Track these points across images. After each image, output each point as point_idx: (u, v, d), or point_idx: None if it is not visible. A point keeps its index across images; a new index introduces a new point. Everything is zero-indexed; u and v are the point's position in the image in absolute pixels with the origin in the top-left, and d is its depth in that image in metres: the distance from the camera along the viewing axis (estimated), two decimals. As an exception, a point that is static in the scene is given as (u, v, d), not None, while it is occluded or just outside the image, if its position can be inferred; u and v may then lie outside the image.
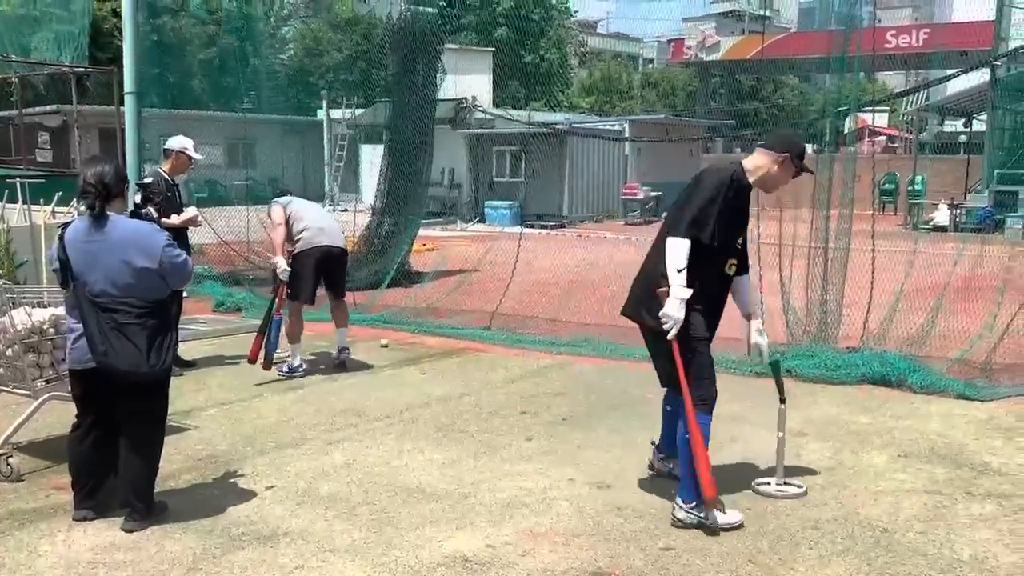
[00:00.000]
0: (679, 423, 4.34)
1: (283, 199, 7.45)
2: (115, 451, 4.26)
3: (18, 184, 9.87)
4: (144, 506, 4.23)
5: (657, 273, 4.26)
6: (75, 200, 7.57)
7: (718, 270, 4.37)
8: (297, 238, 7.25)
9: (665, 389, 4.72)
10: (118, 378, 4.11)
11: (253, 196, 18.76)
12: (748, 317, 4.68)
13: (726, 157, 36.17)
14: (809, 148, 8.30)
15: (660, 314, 4.17)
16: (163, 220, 6.74)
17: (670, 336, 4.19)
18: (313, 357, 7.83)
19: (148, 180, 7.16)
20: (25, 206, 9.68)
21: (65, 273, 4.12)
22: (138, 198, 4.48)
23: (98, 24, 25.31)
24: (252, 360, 6.95)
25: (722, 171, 4.34)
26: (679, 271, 4.13)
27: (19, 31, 19.48)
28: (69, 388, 4.61)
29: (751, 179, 4.40)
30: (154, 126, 12.47)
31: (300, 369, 7.24)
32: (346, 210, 19.96)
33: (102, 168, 4.19)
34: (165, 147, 7.41)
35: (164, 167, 7.29)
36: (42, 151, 17.87)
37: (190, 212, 7.19)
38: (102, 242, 4.11)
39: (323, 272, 7.31)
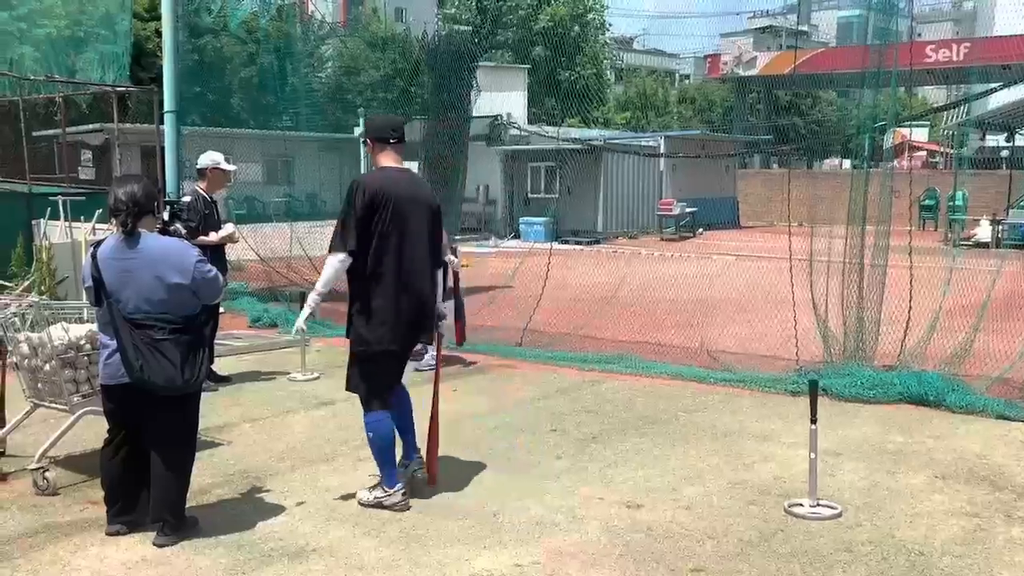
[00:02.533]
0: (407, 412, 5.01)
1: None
2: (147, 466, 4.30)
3: (60, 201, 10.05)
4: (175, 521, 4.27)
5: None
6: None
7: None
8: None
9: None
10: (153, 393, 4.16)
11: (292, 213, 18.96)
12: None
13: (763, 173, 35.94)
14: (847, 164, 8.23)
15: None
16: (201, 237, 6.86)
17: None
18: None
19: (187, 198, 7.28)
20: (67, 223, 9.86)
21: (98, 290, 4.17)
22: (166, 215, 4.56)
23: (141, 44, 25.79)
24: (460, 342, 7.62)
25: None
26: None
27: (65, 52, 19.90)
28: (104, 403, 4.70)
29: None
30: (194, 144, 12.64)
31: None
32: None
33: (132, 187, 4.25)
34: (198, 166, 7.52)
35: (201, 185, 7.41)
36: (85, 169, 18.22)
37: (228, 229, 7.29)
38: (135, 259, 4.19)
39: None
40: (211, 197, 7.40)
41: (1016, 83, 17.51)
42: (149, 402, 4.20)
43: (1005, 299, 8.13)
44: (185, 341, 4.19)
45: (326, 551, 4.16)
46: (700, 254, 18.58)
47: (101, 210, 9.87)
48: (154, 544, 4.20)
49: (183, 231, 5.85)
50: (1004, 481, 5.10)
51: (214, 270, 4.39)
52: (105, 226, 9.70)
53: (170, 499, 4.26)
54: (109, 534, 4.32)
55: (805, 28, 61.96)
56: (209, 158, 7.43)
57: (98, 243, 4.34)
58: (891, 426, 6.21)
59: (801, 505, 4.64)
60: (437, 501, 4.81)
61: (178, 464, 4.32)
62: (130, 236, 4.21)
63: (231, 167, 7.56)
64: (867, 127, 7.89)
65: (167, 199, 5.84)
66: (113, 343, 4.19)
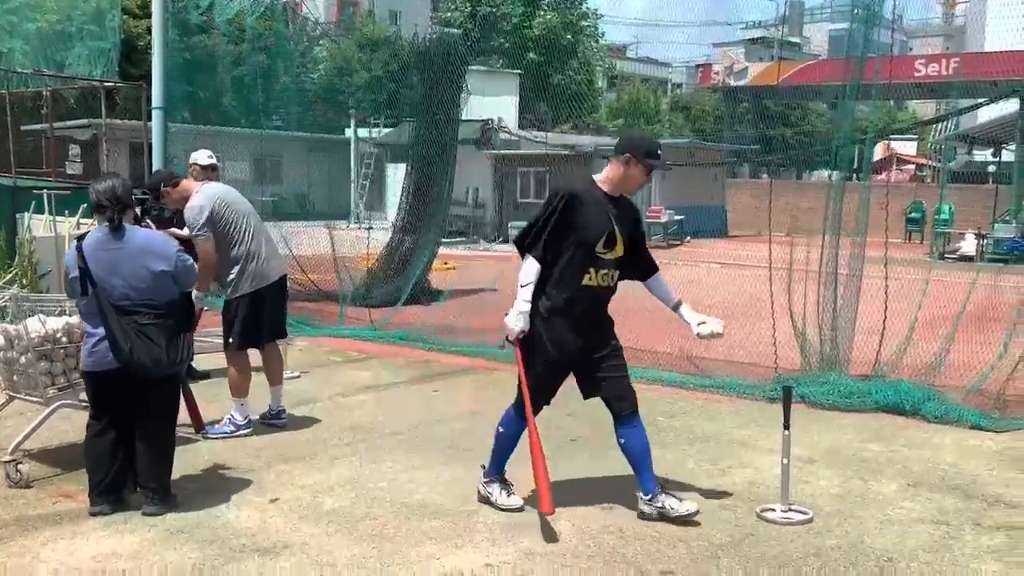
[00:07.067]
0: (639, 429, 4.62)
1: None
2: (131, 447, 4.51)
3: (45, 195, 10.03)
4: (163, 491, 4.51)
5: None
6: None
7: (581, 283, 4.47)
8: None
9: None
10: (141, 375, 4.39)
11: (279, 212, 18.94)
12: (676, 308, 4.84)
13: (752, 182, 36.09)
14: (836, 175, 8.23)
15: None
16: (174, 230, 6.91)
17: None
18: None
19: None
20: (51, 217, 9.83)
21: (84, 280, 4.38)
22: (138, 210, 4.78)
23: (133, 41, 25.74)
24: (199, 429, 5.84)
25: (554, 190, 4.55)
26: (523, 286, 4.47)
27: (55, 47, 19.84)
28: (81, 395, 4.87)
29: (605, 188, 4.56)
30: (181, 141, 12.62)
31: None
32: (371, 228, 20.06)
33: (112, 183, 4.56)
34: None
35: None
36: (72, 164, 18.19)
37: None
38: (121, 250, 4.46)
39: None
40: None
41: (1002, 98, 17.68)
42: (134, 385, 4.43)
43: (983, 311, 8.19)
44: (169, 325, 4.49)
45: (297, 548, 4.16)
46: (687, 261, 18.61)
47: (86, 205, 9.85)
48: (143, 514, 4.42)
49: (152, 226, 5.94)
50: (976, 490, 5.13)
51: (190, 259, 4.74)
52: (90, 221, 9.69)
53: (158, 473, 4.51)
54: (93, 514, 4.42)
55: (797, 40, 62.21)
56: (191, 156, 7.45)
57: (82, 236, 4.56)
58: (867, 434, 6.25)
59: (773, 510, 4.66)
60: (412, 501, 4.82)
61: (163, 441, 4.59)
62: (117, 230, 4.46)
63: (206, 162, 7.43)
64: (845, 140, 7.92)
65: (140, 196, 5.95)
66: (99, 331, 4.40)
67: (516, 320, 4.45)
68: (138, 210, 4.76)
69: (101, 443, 4.50)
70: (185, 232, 7.09)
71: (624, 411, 4.60)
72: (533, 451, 4.44)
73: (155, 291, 4.46)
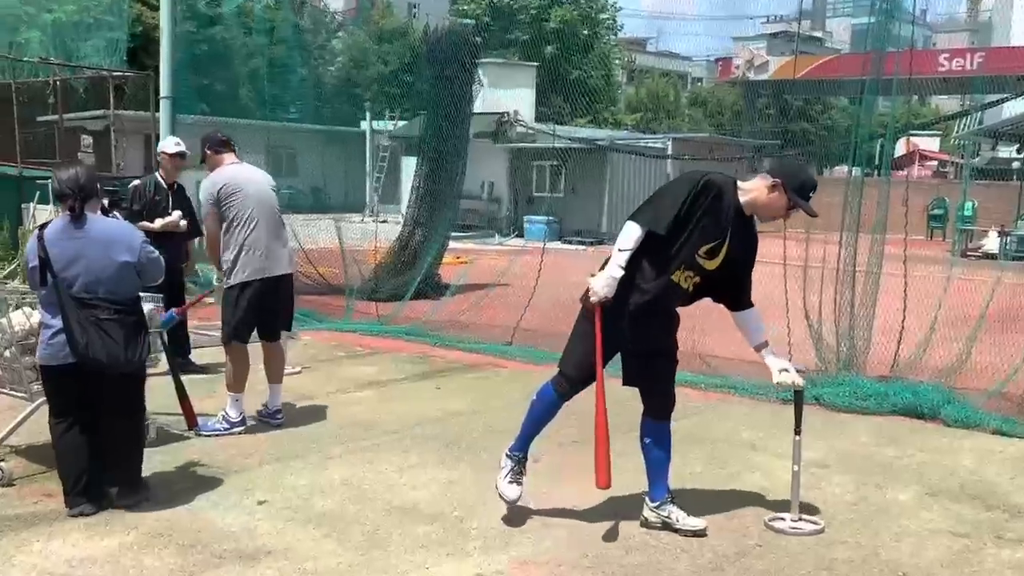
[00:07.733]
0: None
1: None
2: (97, 446, 4.36)
3: (50, 185, 9.92)
4: (133, 483, 4.42)
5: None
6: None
7: (668, 275, 4.17)
8: None
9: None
10: (98, 371, 4.23)
11: (295, 205, 18.80)
12: (759, 349, 4.45)
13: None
14: (856, 171, 7.98)
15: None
16: (143, 223, 6.80)
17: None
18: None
19: (136, 183, 7.30)
20: (56, 207, 9.73)
21: (44, 270, 4.23)
22: (106, 201, 4.68)
23: (150, 33, 25.68)
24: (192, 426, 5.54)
25: (696, 174, 4.17)
26: (620, 250, 4.10)
27: (72, 37, 19.80)
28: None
29: (741, 199, 4.22)
30: (192, 132, 12.48)
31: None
32: (385, 221, 19.96)
33: (75, 171, 4.42)
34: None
35: (161, 172, 7.39)
36: (84, 154, 18.13)
37: (172, 218, 7.22)
38: (83, 239, 4.30)
39: None
40: (169, 183, 7.33)
41: (1027, 93, 17.27)
42: (93, 381, 4.28)
43: (1007, 311, 7.91)
44: (130, 322, 4.34)
45: (281, 554, 3.98)
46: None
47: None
48: (116, 503, 4.33)
49: (120, 217, 5.82)
50: (996, 500, 4.89)
51: (156, 252, 4.55)
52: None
53: (128, 470, 4.42)
54: (72, 515, 4.27)
55: (819, 34, 61.59)
56: (159, 144, 7.38)
57: (43, 225, 4.41)
58: (883, 438, 6.01)
59: (782, 519, 4.45)
60: (405, 503, 4.64)
61: (130, 437, 4.47)
62: (79, 218, 4.30)
63: (173, 150, 7.36)
64: (864, 135, 7.67)
65: (109, 187, 5.92)
66: (56, 323, 4.24)
67: (604, 285, 4.09)
68: (105, 201, 4.60)
69: (68, 442, 4.34)
70: (156, 225, 7.06)
71: (657, 412, 4.44)
72: (597, 419, 4.20)
73: (117, 283, 4.32)
